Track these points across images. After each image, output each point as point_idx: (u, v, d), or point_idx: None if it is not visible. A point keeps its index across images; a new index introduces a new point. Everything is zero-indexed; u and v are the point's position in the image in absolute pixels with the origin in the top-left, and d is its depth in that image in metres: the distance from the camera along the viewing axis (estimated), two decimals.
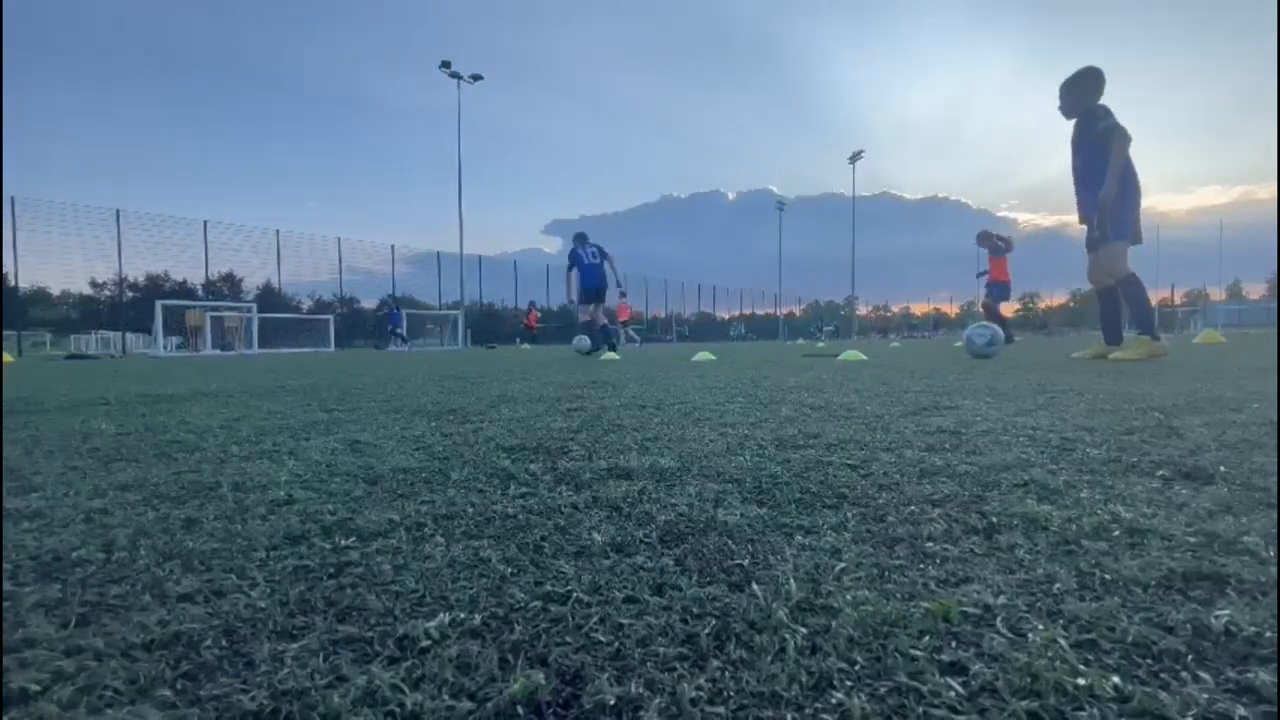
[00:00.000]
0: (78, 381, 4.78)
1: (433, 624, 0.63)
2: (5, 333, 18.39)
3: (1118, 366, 4.25)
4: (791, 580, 0.72)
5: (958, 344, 12.35)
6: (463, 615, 0.65)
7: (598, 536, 0.89)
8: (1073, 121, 5.12)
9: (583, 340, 8.81)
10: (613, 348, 8.85)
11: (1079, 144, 5.05)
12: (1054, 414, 1.98)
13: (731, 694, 0.51)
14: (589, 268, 8.93)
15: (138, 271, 24.20)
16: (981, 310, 10.72)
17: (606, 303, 9.13)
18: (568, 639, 0.60)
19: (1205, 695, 0.49)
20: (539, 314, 29.70)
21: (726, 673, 0.54)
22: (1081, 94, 5.01)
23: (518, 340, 28.65)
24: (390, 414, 2.34)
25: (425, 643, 0.60)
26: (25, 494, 1.22)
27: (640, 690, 0.51)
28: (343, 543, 0.89)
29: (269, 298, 26.57)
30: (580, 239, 9.22)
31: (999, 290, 10.36)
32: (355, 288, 31.48)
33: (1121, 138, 4.75)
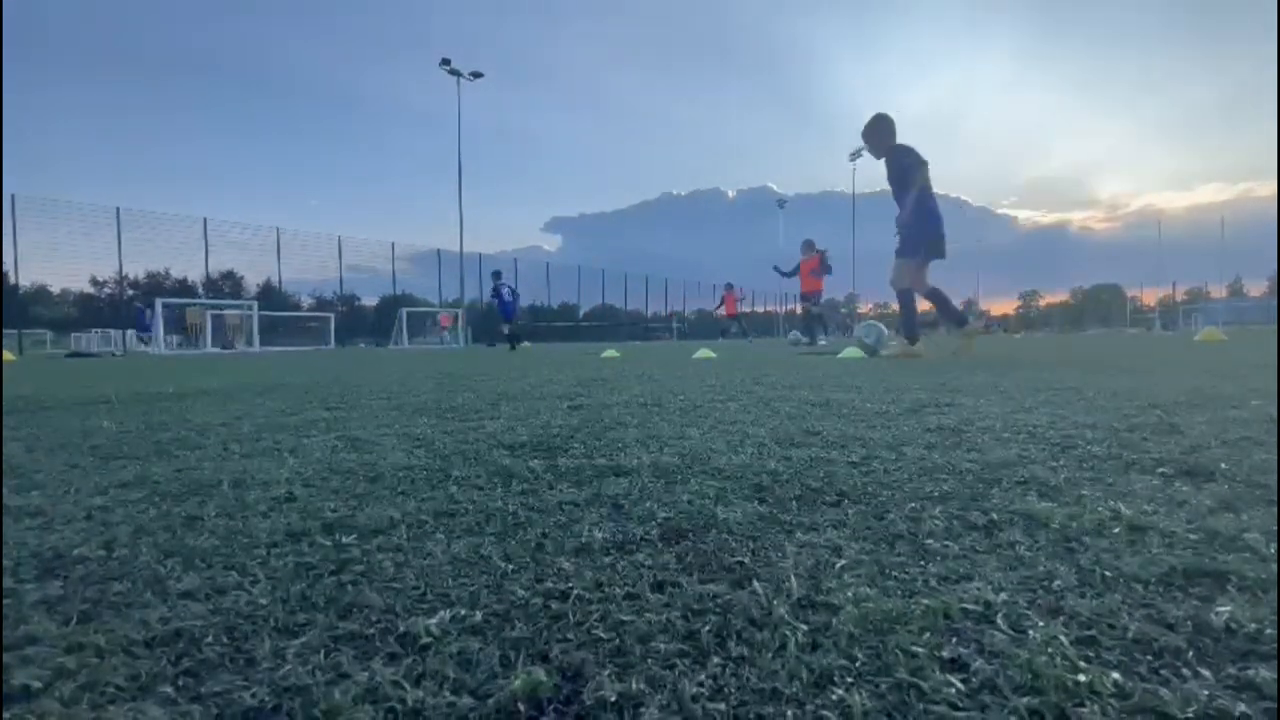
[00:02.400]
0: (78, 379, 4.78)
1: (434, 621, 0.63)
2: (6, 331, 18.41)
3: (1118, 365, 4.25)
4: (792, 577, 0.72)
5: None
6: (464, 612, 0.65)
7: (598, 534, 0.89)
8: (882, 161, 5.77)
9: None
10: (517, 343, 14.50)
11: (890, 178, 5.73)
12: (1054, 411, 1.98)
13: (732, 691, 0.51)
14: (509, 303, 15.06)
15: (138, 269, 24.22)
16: (802, 314, 13.48)
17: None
18: (569, 636, 0.60)
19: (1206, 692, 0.49)
20: (451, 317, 27.70)
21: (727, 669, 0.54)
22: (881, 137, 5.69)
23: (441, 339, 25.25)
24: (391, 411, 2.34)
25: (426, 640, 0.60)
26: (26, 491, 1.22)
27: (641, 687, 0.51)
28: (344, 540, 0.89)
29: (270, 296, 26.57)
30: (497, 275, 15.49)
31: (816, 297, 12.78)
32: (356, 286, 31.53)
33: (918, 175, 5.42)
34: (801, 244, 12.75)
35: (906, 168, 5.52)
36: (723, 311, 20.80)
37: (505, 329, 14.71)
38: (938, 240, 5.60)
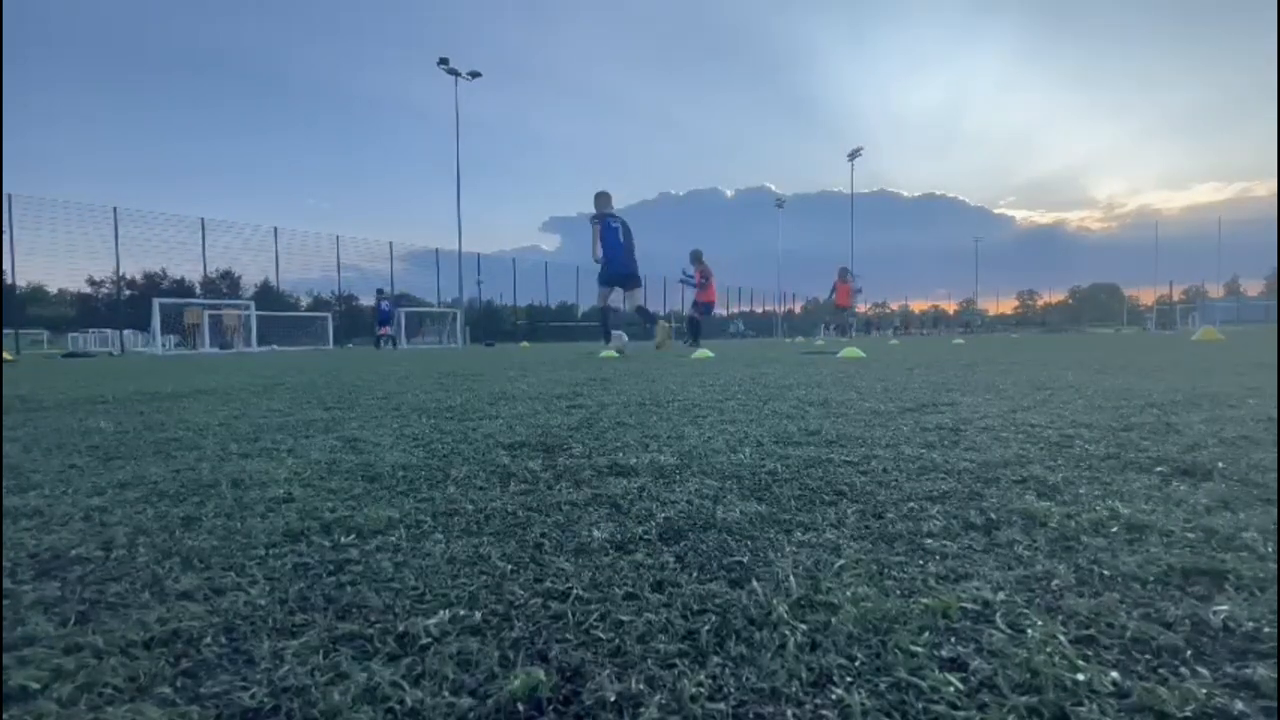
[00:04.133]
0: (76, 379, 4.77)
1: (433, 621, 0.63)
2: (4, 331, 18.40)
3: (1110, 363, 4.27)
4: (791, 577, 0.72)
5: (957, 341, 12.45)
6: (463, 612, 0.65)
7: (597, 533, 0.89)
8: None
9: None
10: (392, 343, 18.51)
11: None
12: (1052, 410, 1.98)
13: (732, 690, 0.51)
14: (386, 311, 19.89)
15: (135, 269, 24.15)
16: (689, 319, 13.49)
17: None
18: (568, 636, 0.60)
19: (1204, 690, 0.49)
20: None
21: (727, 669, 0.54)
22: (600, 205, 8.09)
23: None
24: (389, 412, 2.34)
25: (425, 640, 0.60)
26: (24, 492, 1.21)
27: (641, 687, 0.51)
28: (342, 540, 0.89)
29: (267, 295, 26.50)
30: (380, 291, 20.69)
31: (707, 307, 13.06)
32: (354, 285, 31.50)
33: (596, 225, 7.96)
34: (691, 254, 13.28)
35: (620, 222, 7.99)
36: (833, 300, 17.34)
37: (380, 331, 19.76)
38: (609, 274, 8.09)
